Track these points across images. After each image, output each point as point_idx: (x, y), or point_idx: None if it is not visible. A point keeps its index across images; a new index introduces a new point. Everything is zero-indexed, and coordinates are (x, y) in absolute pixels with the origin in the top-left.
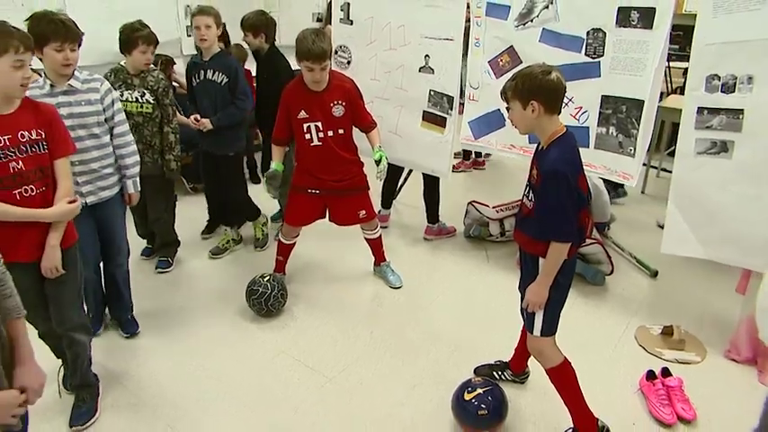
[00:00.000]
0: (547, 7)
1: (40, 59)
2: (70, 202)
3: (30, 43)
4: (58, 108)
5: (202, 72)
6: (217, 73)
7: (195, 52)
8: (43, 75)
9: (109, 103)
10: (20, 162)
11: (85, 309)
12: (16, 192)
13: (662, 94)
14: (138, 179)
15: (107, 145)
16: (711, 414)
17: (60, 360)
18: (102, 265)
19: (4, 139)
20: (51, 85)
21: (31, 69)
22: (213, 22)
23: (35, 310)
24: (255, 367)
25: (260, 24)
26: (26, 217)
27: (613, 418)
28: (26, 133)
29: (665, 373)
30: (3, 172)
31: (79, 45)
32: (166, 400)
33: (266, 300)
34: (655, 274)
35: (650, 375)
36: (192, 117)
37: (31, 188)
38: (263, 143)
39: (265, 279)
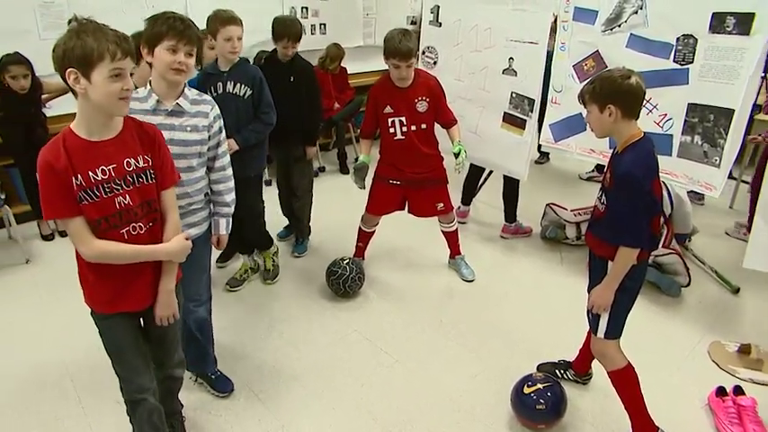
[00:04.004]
0: (636, 12)
1: (150, 64)
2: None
3: (128, 47)
4: None
5: (220, 85)
6: (238, 85)
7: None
8: (149, 85)
9: (216, 131)
10: (126, 196)
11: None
12: (123, 231)
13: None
14: (231, 218)
15: (201, 179)
16: None
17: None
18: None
19: (109, 170)
20: (157, 101)
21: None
22: (242, 32)
23: (133, 367)
24: (329, 341)
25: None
26: (149, 256)
27: (676, 429)
28: (132, 161)
29: (738, 391)
30: (109, 209)
31: (197, 57)
32: (248, 364)
33: (344, 281)
34: (736, 291)
35: (720, 392)
36: None
37: (140, 225)
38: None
39: (345, 262)
